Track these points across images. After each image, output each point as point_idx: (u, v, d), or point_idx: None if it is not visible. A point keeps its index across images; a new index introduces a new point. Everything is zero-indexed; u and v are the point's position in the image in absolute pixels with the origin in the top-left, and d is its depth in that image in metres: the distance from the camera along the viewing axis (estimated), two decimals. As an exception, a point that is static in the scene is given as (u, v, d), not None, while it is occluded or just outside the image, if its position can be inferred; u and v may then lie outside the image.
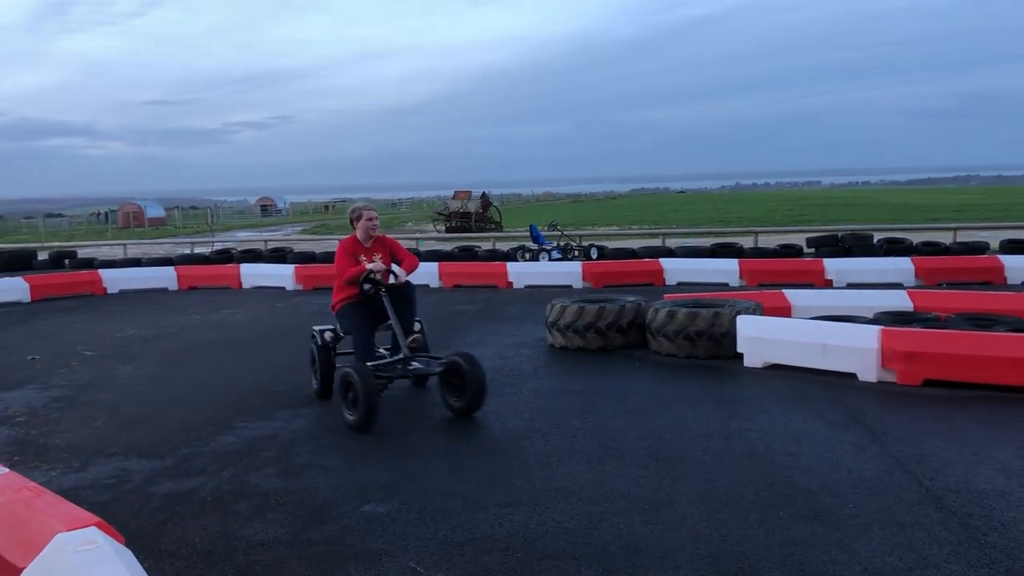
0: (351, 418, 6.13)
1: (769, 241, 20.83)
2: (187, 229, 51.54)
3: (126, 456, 5.76)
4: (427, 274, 16.25)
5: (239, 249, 22.74)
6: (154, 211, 65.34)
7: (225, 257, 21.03)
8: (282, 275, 16.96)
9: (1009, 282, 13.76)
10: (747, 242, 20.24)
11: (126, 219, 61.11)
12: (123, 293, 16.76)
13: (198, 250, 24.00)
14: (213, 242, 27.55)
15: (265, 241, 26.14)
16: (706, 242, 20.43)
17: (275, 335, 11.14)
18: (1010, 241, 17.89)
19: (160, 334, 11.41)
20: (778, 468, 5.09)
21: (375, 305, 6.89)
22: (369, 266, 6.89)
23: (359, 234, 7.20)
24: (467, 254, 19.74)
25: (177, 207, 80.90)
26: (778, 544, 3.98)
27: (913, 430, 5.86)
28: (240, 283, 17.23)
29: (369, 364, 6.49)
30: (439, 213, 39.08)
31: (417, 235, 29.98)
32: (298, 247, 23.57)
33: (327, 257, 19.69)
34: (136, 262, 20.51)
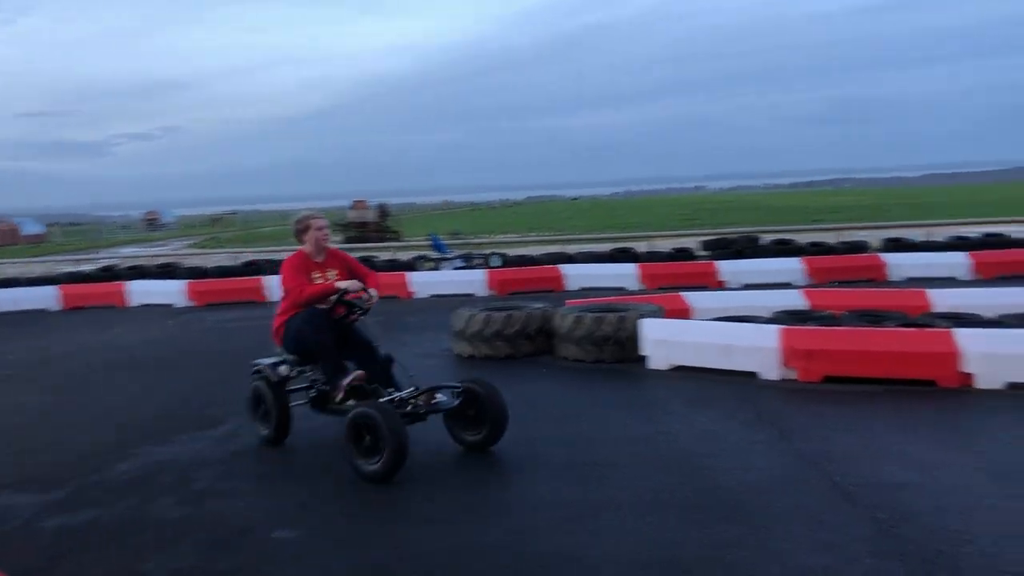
0: (371, 468, 5.03)
1: (663, 245, 21.24)
2: (68, 246, 49.07)
3: (11, 490, 5.35)
4: (326, 286, 15.90)
5: (125, 265, 21.73)
6: (31, 228, 62.11)
7: (110, 274, 20.03)
8: (172, 291, 16.28)
9: (890, 279, 14.41)
10: (642, 246, 20.58)
11: (1, 237, 57.86)
12: (-1, 315, 15.77)
13: (82, 268, 22.82)
14: (98, 259, 26.28)
15: (152, 256, 25.11)
16: (604, 247, 20.69)
17: (169, 354, 10.66)
18: (889, 240, 18.75)
19: (43, 358, 10.75)
20: (696, 470, 5.12)
21: (339, 329, 5.85)
22: (342, 284, 5.78)
23: (309, 247, 6.05)
24: (367, 265, 19.37)
25: (57, 223, 77.06)
26: (706, 547, 3.99)
27: (818, 427, 6.01)
28: (127, 301, 16.46)
29: (382, 400, 5.46)
30: (336, 224, 38.43)
31: (313, 247, 29.34)
32: (188, 262, 22.69)
33: (220, 272, 19.04)
34: (13, 282, 19.30)
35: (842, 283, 13.83)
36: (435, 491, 4.97)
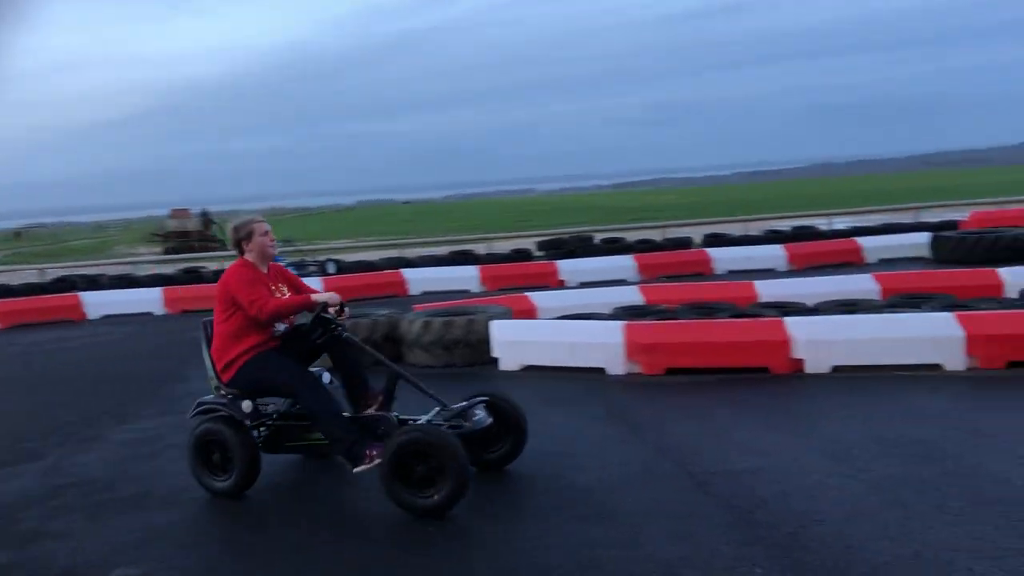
0: (430, 501, 4.39)
1: (502, 246, 21.43)
2: None
3: None
4: (149, 300, 15.07)
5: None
6: None
7: None
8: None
9: (715, 272, 15.15)
10: (481, 248, 20.70)
11: None
12: None
13: None
14: None
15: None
16: (443, 250, 20.64)
17: (-27, 383, 9.68)
18: (711, 235, 19.72)
19: None
20: (554, 470, 5.12)
21: (306, 351, 5.09)
22: (320, 297, 4.94)
23: (254, 257, 5.05)
24: (193, 276, 18.44)
25: None
26: (572, 548, 3.98)
27: (666, 419, 6.19)
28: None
29: (422, 421, 4.83)
30: (155, 234, 36.51)
31: (131, 258, 27.68)
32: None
33: (28, 289, 17.54)
34: None
35: (670, 278, 14.40)
36: (289, 516, 4.72)
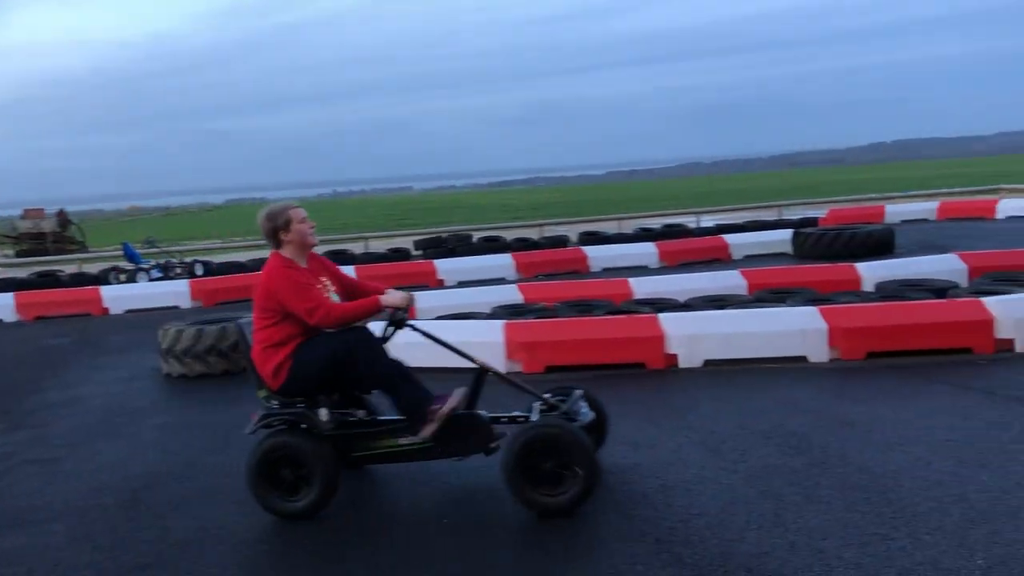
0: (559, 499, 4.17)
1: (378, 246, 21.15)
2: None
3: None
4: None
5: None
6: None
7: None
8: None
9: (591, 270, 15.40)
10: (357, 248, 20.38)
11: None
12: None
13: None
14: None
15: None
16: (317, 250, 20.18)
17: None
18: (586, 234, 20.04)
19: None
20: (437, 476, 5.02)
21: None
22: (392, 301, 4.58)
23: (291, 250, 4.61)
24: (49, 280, 17.39)
25: None
26: (459, 556, 3.92)
27: (547, 417, 6.19)
28: None
29: (535, 417, 4.53)
30: (6, 236, 34.18)
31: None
32: None
33: None
34: None
35: (548, 276, 14.55)
36: (143, 529, 4.46)
